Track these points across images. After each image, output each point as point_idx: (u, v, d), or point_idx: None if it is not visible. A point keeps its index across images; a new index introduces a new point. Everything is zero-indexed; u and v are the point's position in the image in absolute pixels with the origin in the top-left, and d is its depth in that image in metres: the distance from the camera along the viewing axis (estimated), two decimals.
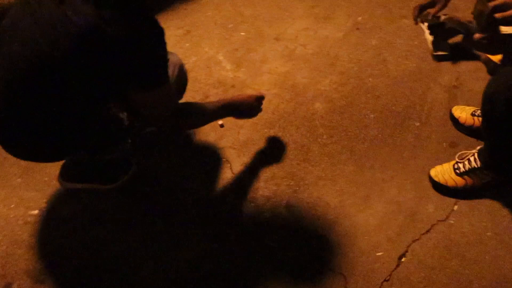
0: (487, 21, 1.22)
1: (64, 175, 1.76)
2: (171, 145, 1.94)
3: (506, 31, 1.23)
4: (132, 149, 1.77)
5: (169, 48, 1.30)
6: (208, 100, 2.12)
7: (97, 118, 1.37)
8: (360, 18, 2.53)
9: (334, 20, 2.55)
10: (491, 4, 1.23)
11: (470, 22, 1.29)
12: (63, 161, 1.74)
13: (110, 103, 1.45)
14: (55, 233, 1.67)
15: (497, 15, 1.24)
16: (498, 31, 1.23)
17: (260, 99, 1.74)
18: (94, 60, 1.18)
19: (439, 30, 2.09)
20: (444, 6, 1.90)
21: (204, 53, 2.42)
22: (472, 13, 1.26)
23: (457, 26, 1.33)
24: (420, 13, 1.96)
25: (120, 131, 1.53)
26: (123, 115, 1.50)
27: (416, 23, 1.97)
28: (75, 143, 1.40)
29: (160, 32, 1.23)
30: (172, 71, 1.51)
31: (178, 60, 1.65)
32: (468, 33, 1.29)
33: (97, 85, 1.27)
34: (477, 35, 1.25)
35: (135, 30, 1.17)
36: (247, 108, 1.70)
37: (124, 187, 1.79)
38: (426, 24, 2.11)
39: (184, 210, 1.72)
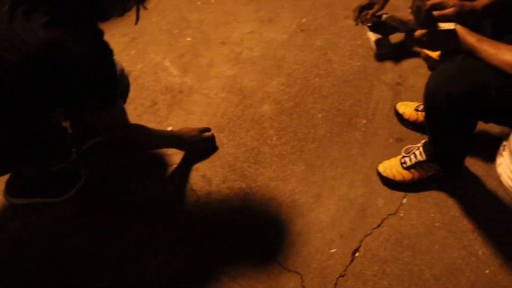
0: (426, 18, 1.26)
1: (9, 191, 1.70)
2: (119, 153, 1.90)
3: (444, 27, 1.27)
4: (79, 159, 1.72)
5: (115, 55, 1.31)
6: (156, 106, 2.10)
7: (39, 128, 1.33)
8: (304, 20, 2.56)
9: (279, 22, 2.57)
10: (429, 3, 1.27)
11: (410, 20, 1.33)
12: (7, 176, 1.68)
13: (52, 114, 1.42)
14: (3, 251, 1.61)
15: (435, 13, 1.28)
16: (436, 27, 1.27)
17: (204, 130, 1.87)
18: (41, 80, 1.17)
19: (381, 29, 2.14)
20: (383, 7, 1.95)
21: (151, 60, 2.38)
22: (409, 8, 1.29)
23: (398, 24, 1.36)
24: (359, 14, 2.00)
25: (63, 141, 1.49)
26: (66, 124, 1.47)
27: (357, 24, 2.02)
28: (17, 155, 1.35)
29: (110, 53, 1.26)
30: None
31: (119, 65, 1.63)
32: (408, 31, 1.32)
33: (43, 103, 1.26)
34: (417, 33, 1.29)
35: (86, 52, 1.17)
36: (189, 139, 1.81)
37: (74, 199, 1.74)
38: (368, 23, 2.16)
39: (138, 217, 1.69)
